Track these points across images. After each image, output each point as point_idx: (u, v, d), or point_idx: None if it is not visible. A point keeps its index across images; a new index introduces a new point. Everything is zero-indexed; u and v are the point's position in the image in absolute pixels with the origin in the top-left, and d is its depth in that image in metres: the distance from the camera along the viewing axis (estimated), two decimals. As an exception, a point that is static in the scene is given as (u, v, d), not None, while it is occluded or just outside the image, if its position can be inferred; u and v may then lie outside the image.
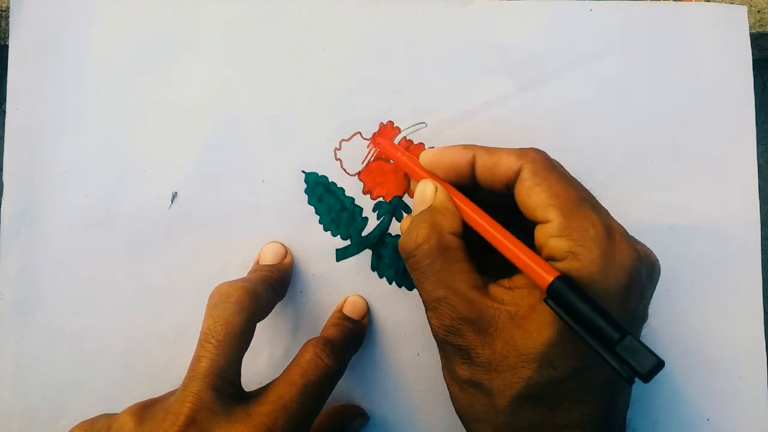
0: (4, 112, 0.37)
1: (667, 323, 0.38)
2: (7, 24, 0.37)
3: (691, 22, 0.39)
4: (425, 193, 0.31)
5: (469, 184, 0.31)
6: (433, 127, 0.38)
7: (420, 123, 0.38)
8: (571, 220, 0.26)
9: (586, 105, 0.39)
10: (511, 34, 0.39)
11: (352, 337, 0.35)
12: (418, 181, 0.33)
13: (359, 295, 0.37)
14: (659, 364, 0.23)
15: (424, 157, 0.32)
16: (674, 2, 0.39)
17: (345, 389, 0.37)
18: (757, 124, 0.39)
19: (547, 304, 0.25)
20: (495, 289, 0.28)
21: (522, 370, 0.26)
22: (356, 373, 0.37)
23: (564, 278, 0.25)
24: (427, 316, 0.30)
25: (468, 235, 0.30)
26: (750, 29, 0.39)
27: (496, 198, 0.30)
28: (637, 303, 0.27)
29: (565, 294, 0.25)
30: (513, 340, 0.27)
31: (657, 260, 0.29)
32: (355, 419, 0.36)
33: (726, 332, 0.38)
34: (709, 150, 0.39)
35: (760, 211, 0.39)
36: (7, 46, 0.37)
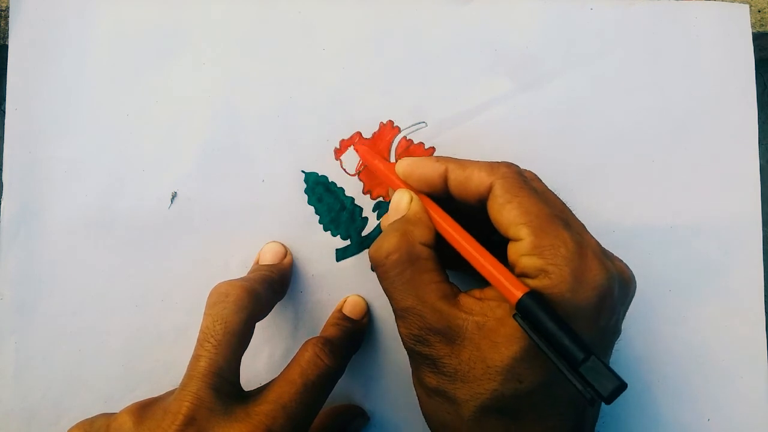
0: (4, 112, 0.37)
1: (667, 323, 0.38)
2: (7, 24, 0.37)
3: (692, 21, 0.39)
4: (400, 203, 0.31)
5: (444, 196, 0.31)
6: (433, 127, 0.38)
7: (420, 123, 0.38)
8: (541, 238, 0.26)
9: (586, 105, 0.38)
10: (511, 34, 0.39)
11: (352, 336, 0.35)
12: (395, 190, 0.32)
13: (359, 295, 0.37)
14: (620, 387, 0.23)
15: (400, 167, 0.32)
16: (675, 1, 0.39)
17: (345, 389, 0.37)
18: (758, 125, 0.39)
19: (515, 320, 0.25)
20: (465, 299, 0.28)
21: (487, 381, 0.26)
22: (356, 373, 0.37)
23: (533, 294, 0.25)
24: (397, 325, 0.30)
25: (445, 245, 0.30)
26: (750, 29, 0.39)
27: (472, 209, 0.30)
28: (608, 320, 0.27)
29: (534, 310, 0.25)
30: (480, 352, 0.26)
31: (632, 276, 0.29)
32: (355, 419, 0.36)
33: (727, 333, 0.38)
34: (710, 150, 0.39)
35: (762, 211, 0.39)
36: (7, 46, 0.37)
